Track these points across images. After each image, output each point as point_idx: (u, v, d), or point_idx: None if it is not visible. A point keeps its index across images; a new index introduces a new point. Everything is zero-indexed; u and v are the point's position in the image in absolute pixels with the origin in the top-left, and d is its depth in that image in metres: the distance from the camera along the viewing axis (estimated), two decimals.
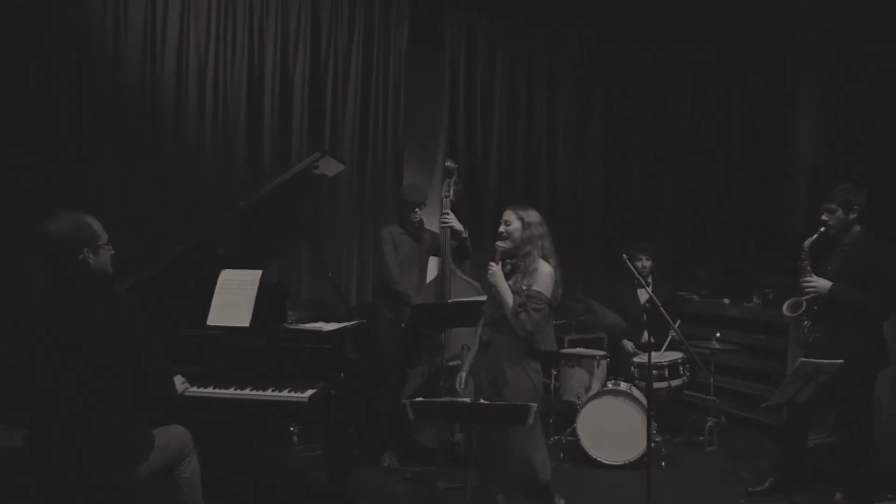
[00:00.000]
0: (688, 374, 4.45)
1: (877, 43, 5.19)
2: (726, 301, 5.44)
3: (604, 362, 4.45)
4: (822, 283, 3.46)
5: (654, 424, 4.00)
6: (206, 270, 3.25)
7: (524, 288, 3.00)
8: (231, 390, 2.90)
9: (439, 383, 3.77)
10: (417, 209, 4.07)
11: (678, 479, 4.01)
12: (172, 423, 2.60)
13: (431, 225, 4.29)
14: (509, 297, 3.00)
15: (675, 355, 4.43)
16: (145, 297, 2.71)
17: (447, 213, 4.00)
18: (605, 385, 4.25)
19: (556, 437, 4.33)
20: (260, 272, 3.23)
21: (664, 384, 4.34)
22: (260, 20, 4.60)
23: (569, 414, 4.35)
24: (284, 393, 2.88)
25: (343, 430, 3.11)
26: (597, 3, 5.59)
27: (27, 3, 3.96)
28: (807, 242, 3.54)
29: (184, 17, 4.38)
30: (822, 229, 3.51)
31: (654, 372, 4.24)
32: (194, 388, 2.88)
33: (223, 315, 3.14)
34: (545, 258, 3.06)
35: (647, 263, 4.77)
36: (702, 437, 4.52)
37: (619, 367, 4.60)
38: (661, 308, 3.63)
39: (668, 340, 4.55)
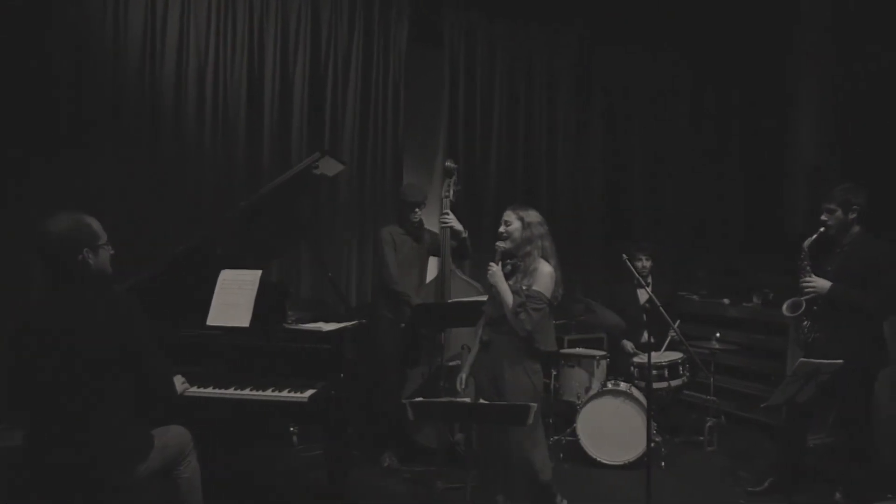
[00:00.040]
0: (687, 374, 4.46)
1: (877, 43, 5.19)
2: (726, 301, 5.45)
3: (603, 362, 4.45)
4: (822, 284, 3.46)
5: (653, 424, 3.99)
6: (206, 270, 3.25)
7: (524, 288, 3.00)
8: (231, 390, 2.90)
9: (439, 383, 3.77)
10: (417, 209, 4.07)
11: (678, 479, 4.01)
12: (172, 423, 2.61)
13: (431, 225, 4.29)
14: (509, 297, 3.00)
15: (675, 355, 4.43)
16: (145, 297, 2.70)
17: (447, 213, 4.00)
18: (604, 385, 4.25)
19: (556, 437, 4.33)
20: (260, 272, 3.23)
21: (664, 384, 4.34)
22: (260, 20, 4.60)
23: (568, 414, 4.35)
24: (284, 393, 2.88)
25: (343, 431, 3.11)
26: (597, 3, 5.59)
27: (27, 3, 3.96)
28: (806, 242, 3.54)
29: (183, 17, 4.38)
30: (822, 229, 3.51)
31: (654, 372, 4.25)
32: (194, 389, 2.88)
33: (223, 315, 3.14)
34: (545, 258, 3.06)
35: (647, 263, 4.77)
36: (701, 437, 4.52)
37: (618, 367, 4.60)
38: (661, 308, 3.63)
39: (667, 340, 4.55)
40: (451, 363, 3.93)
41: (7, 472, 2.47)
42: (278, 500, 3.63)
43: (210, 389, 2.90)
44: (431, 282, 4.15)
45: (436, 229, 4.16)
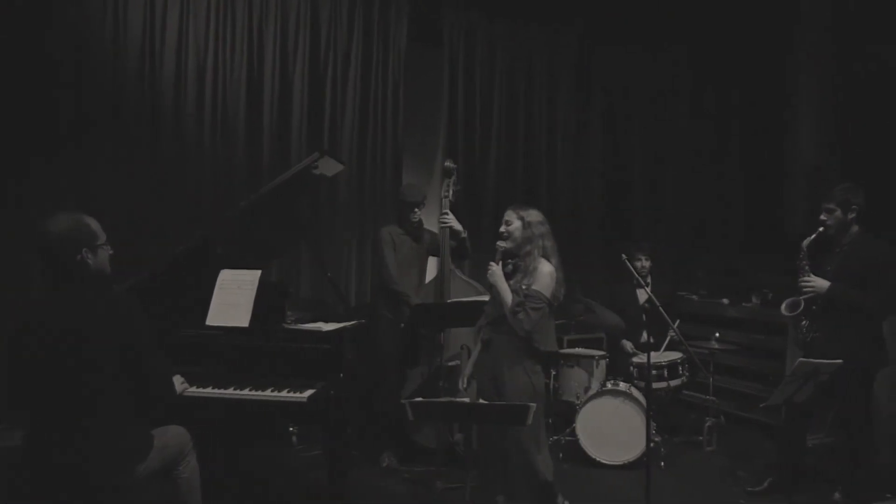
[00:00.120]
0: (687, 374, 4.46)
1: (877, 43, 5.19)
2: (725, 301, 5.45)
3: (603, 362, 4.45)
4: (821, 283, 3.46)
5: (653, 424, 3.99)
6: (206, 270, 3.25)
7: (523, 287, 3.00)
8: (230, 390, 2.90)
9: (438, 383, 3.78)
10: (416, 209, 4.07)
11: (677, 478, 4.01)
12: (171, 423, 2.60)
13: (431, 225, 4.29)
14: (508, 297, 3.00)
15: (675, 355, 4.44)
16: (145, 297, 2.71)
17: (446, 213, 4.00)
18: (604, 385, 4.25)
19: (556, 437, 4.33)
20: (259, 272, 3.23)
21: (663, 384, 4.34)
22: (259, 19, 4.60)
23: (568, 414, 4.35)
24: (283, 393, 2.88)
25: (342, 431, 3.11)
26: (597, 3, 5.59)
27: (27, 3, 3.96)
28: (805, 242, 3.55)
29: (183, 17, 4.39)
30: (821, 229, 3.51)
31: (654, 372, 4.25)
32: (193, 389, 2.88)
33: (222, 315, 3.14)
34: (546, 257, 3.06)
35: (647, 263, 4.77)
36: (701, 437, 4.52)
37: (618, 367, 4.60)
38: (661, 308, 3.63)
39: (667, 340, 4.55)
40: (450, 363, 3.93)
41: (7, 472, 2.47)
42: (278, 500, 3.63)
43: (209, 389, 2.90)
44: (431, 282, 4.16)
45: (435, 229, 4.16)
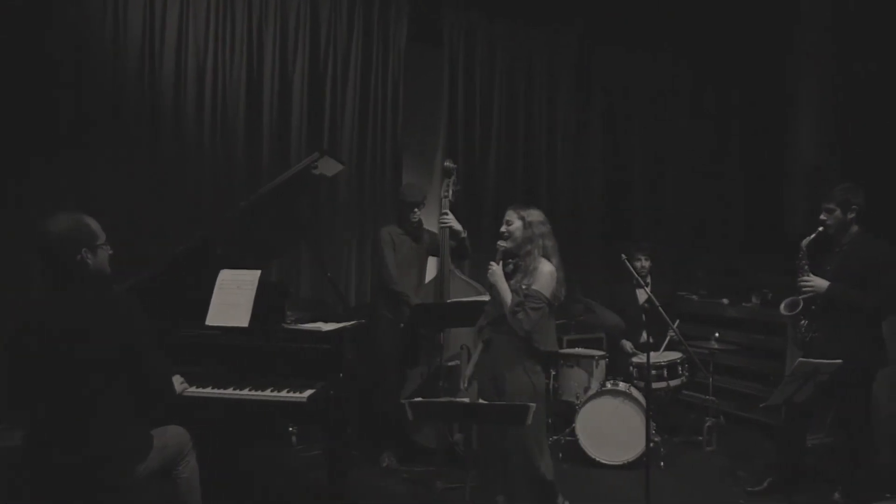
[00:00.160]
0: (686, 374, 4.46)
1: (877, 43, 5.19)
2: (725, 301, 5.45)
3: (602, 362, 4.45)
4: (820, 283, 3.46)
5: (652, 424, 4.00)
6: (206, 270, 3.25)
7: (524, 287, 3.00)
8: (230, 390, 2.90)
9: (438, 383, 3.78)
10: (416, 209, 4.08)
11: (677, 478, 4.01)
12: (171, 423, 2.61)
13: (430, 225, 4.29)
14: (508, 297, 3.00)
15: (674, 355, 4.44)
16: (145, 297, 2.70)
17: (446, 213, 4.00)
18: (603, 385, 4.26)
19: (555, 437, 4.33)
20: (259, 272, 3.23)
21: (663, 384, 4.34)
22: (259, 19, 4.60)
23: (567, 414, 4.35)
24: (283, 393, 2.88)
25: (342, 431, 3.11)
26: (597, 3, 5.59)
27: (27, 3, 3.96)
28: (804, 242, 3.55)
29: (182, 17, 4.38)
30: (821, 229, 3.51)
31: (653, 372, 4.25)
32: (193, 389, 2.88)
33: (222, 315, 3.14)
34: (547, 257, 3.06)
35: (646, 263, 4.77)
36: (700, 437, 4.52)
37: (617, 367, 4.60)
38: (660, 308, 3.63)
39: (666, 340, 4.55)
40: (450, 363, 3.93)
41: (7, 472, 2.47)
42: (277, 500, 3.63)
43: (209, 389, 2.90)
44: (431, 282, 4.16)
45: (435, 229, 4.17)
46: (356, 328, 3.34)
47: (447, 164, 4.08)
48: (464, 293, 3.97)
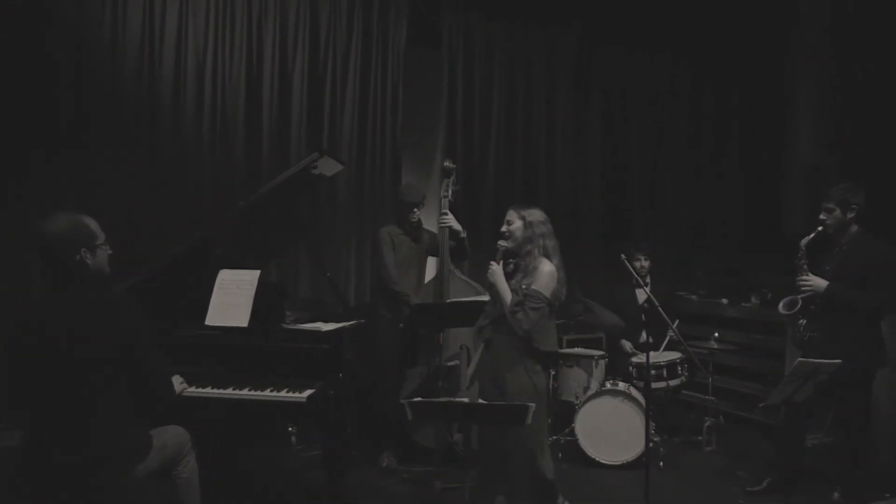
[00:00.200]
0: (686, 373, 4.46)
1: (875, 44, 5.20)
2: (724, 301, 5.45)
3: (602, 362, 4.46)
4: (819, 282, 3.47)
5: (652, 424, 4.00)
6: (205, 270, 3.25)
7: (523, 287, 3.00)
8: (229, 390, 2.90)
9: (437, 383, 3.78)
10: (416, 209, 4.08)
11: (676, 478, 4.01)
12: (170, 423, 2.61)
13: (430, 225, 4.29)
14: (508, 297, 3.00)
15: (674, 355, 4.44)
16: (144, 297, 2.71)
17: (446, 213, 4.00)
18: (603, 385, 4.26)
19: (555, 437, 4.33)
20: (258, 272, 3.23)
21: (662, 384, 4.34)
22: (258, 19, 4.61)
23: (567, 414, 4.35)
24: (283, 393, 2.88)
25: (341, 431, 3.11)
26: (595, 4, 5.60)
27: (27, 3, 3.96)
28: (803, 241, 3.55)
29: (182, 16, 4.39)
30: (820, 228, 3.52)
31: (653, 372, 4.25)
32: (192, 389, 2.88)
33: (221, 315, 3.14)
34: (548, 257, 3.05)
35: (646, 263, 4.78)
36: (700, 437, 4.52)
37: (617, 367, 4.60)
38: (660, 308, 3.64)
39: (666, 340, 4.56)
40: (449, 363, 3.94)
41: (7, 473, 2.47)
42: (277, 500, 3.63)
43: (208, 389, 2.90)
44: (430, 282, 4.16)
45: (435, 229, 4.17)
46: (356, 328, 3.34)
47: (446, 164, 4.08)
48: (463, 293, 3.97)
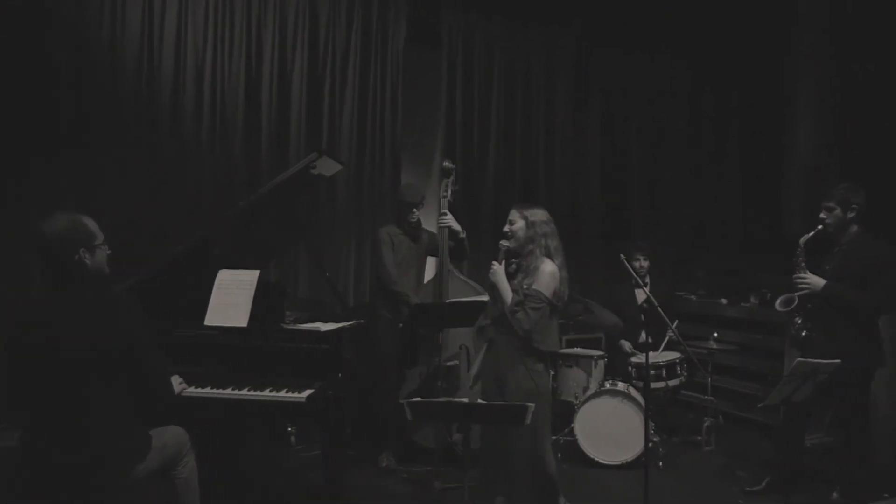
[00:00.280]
0: (685, 373, 4.46)
1: (875, 44, 5.20)
2: (724, 301, 5.46)
3: (601, 362, 4.46)
4: (816, 281, 3.47)
5: (651, 424, 4.00)
6: (205, 271, 3.25)
7: (524, 287, 3.00)
8: (228, 390, 2.90)
9: (437, 383, 3.78)
10: (415, 209, 4.08)
11: (675, 478, 4.01)
12: (170, 423, 2.60)
13: (429, 225, 4.30)
14: (508, 296, 3.01)
15: (673, 355, 4.44)
16: (144, 297, 2.70)
17: (445, 214, 4.00)
18: (602, 385, 4.26)
19: (554, 437, 4.33)
20: (258, 272, 3.23)
21: (662, 384, 4.35)
22: (258, 19, 4.61)
23: (566, 414, 4.35)
24: (282, 393, 2.88)
25: (341, 431, 3.11)
26: (595, 5, 5.60)
27: (27, 3, 3.97)
28: (803, 239, 3.56)
29: (181, 16, 4.40)
30: (820, 227, 3.52)
31: (652, 372, 4.25)
32: (192, 389, 2.88)
33: (221, 315, 3.14)
34: (550, 257, 3.05)
35: (645, 264, 4.78)
36: (699, 437, 4.53)
37: (616, 367, 4.60)
38: (659, 308, 3.64)
39: (665, 340, 4.56)
40: (448, 363, 3.94)
41: (6, 473, 2.47)
42: (276, 500, 3.63)
43: (208, 389, 2.90)
44: (429, 282, 4.16)
45: (434, 229, 4.17)
46: (355, 328, 3.34)
47: (446, 164, 4.09)
48: (462, 293, 3.97)
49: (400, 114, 5.09)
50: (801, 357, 3.04)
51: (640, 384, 4.24)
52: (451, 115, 5.34)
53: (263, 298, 3.18)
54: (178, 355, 2.91)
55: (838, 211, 3.47)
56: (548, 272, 3.01)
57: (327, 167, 3.57)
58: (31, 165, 3.92)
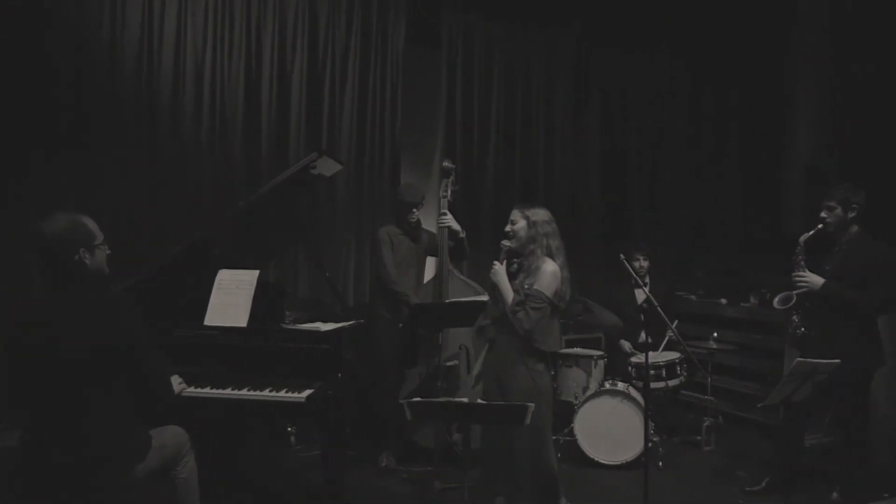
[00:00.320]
0: (685, 373, 4.46)
1: (875, 44, 5.20)
2: (723, 301, 5.46)
3: (601, 362, 4.46)
4: (815, 279, 3.47)
5: (651, 424, 4.00)
6: (205, 270, 3.25)
7: (525, 287, 3.00)
8: (228, 390, 2.90)
9: (436, 383, 3.78)
10: (414, 209, 4.08)
11: (675, 478, 4.01)
12: (169, 423, 2.60)
13: (429, 225, 4.30)
14: (509, 296, 3.01)
15: (673, 355, 4.44)
16: (143, 297, 2.71)
17: (445, 213, 4.00)
18: (602, 385, 4.26)
19: (554, 437, 4.32)
20: (257, 272, 3.23)
21: (661, 384, 4.35)
22: (257, 19, 4.61)
23: (566, 414, 4.35)
24: (282, 393, 2.88)
25: (340, 431, 3.11)
26: (595, 5, 5.60)
27: (27, 3, 3.97)
28: (803, 237, 3.56)
29: (181, 16, 4.40)
30: (820, 226, 3.52)
31: (652, 372, 4.25)
32: (191, 389, 2.88)
33: (221, 315, 3.14)
34: (551, 256, 3.06)
35: (645, 264, 4.78)
36: (699, 437, 4.53)
37: (616, 367, 4.60)
38: (659, 308, 3.64)
39: (665, 340, 4.56)
40: (448, 363, 3.94)
41: (6, 473, 2.47)
42: (276, 500, 3.63)
43: (207, 389, 2.90)
44: (429, 282, 4.16)
45: (434, 229, 4.17)
46: (355, 328, 3.34)
47: (445, 164, 4.09)
48: (462, 293, 3.97)
49: (400, 114, 5.09)
50: (801, 357, 3.04)
51: (640, 384, 4.24)
52: (450, 115, 5.34)
53: (263, 298, 3.18)
54: (177, 355, 2.91)
55: (839, 210, 3.47)
56: (549, 272, 3.01)
57: (327, 167, 3.57)
58: (31, 165, 3.93)
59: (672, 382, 4.38)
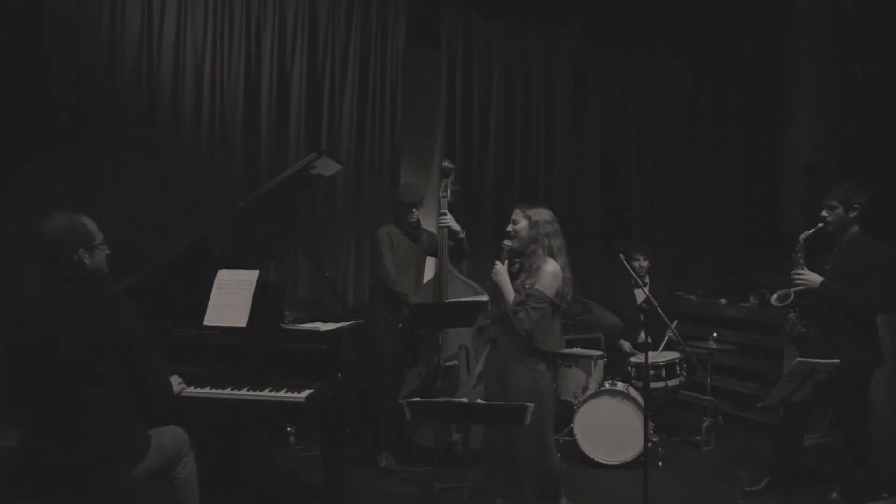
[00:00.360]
0: (685, 373, 4.46)
1: (875, 44, 5.20)
2: (723, 301, 5.46)
3: (601, 362, 4.46)
4: (813, 278, 3.47)
5: (650, 424, 4.00)
6: (204, 270, 3.25)
7: (527, 287, 3.00)
8: (228, 391, 2.90)
9: (436, 383, 3.78)
10: (414, 209, 4.08)
11: (675, 478, 4.02)
12: (169, 423, 2.61)
13: (429, 225, 4.30)
14: (510, 296, 3.01)
15: (672, 355, 4.44)
16: (143, 297, 2.71)
17: (445, 214, 4.00)
18: (602, 385, 4.26)
19: (554, 437, 4.33)
20: (257, 272, 3.23)
21: (661, 384, 4.35)
22: (257, 19, 4.61)
23: (566, 414, 4.35)
24: (281, 393, 2.88)
25: (340, 431, 3.11)
26: (595, 5, 5.60)
27: (27, 3, 3.97)
28: (803, 235, 3.56)
29: (181, 16, 4.40)
30: (821, 225, 3.52)
31: (651, 372, 4.25)
32: (191, 389, 2.88)
33: (220, 315, 3.14)
34: (553, 256, 3.06)
35: (644, 263, 4.78)
36: (699, 437, 4.53)
37: (616, 367, 4.60)
38: (658, 308, 3.64)
39: (664, 340, 4.56)
40: (448, 363, 3.94)
41: (6, 473, 2.47)
42: (276, 500, 3.63)
43: (207, 389, 2.90)
44: (429, 282, 4.16)
45: (433, 229, 4.17)
46: (354, 328, 3.34)
47: (445, 164, 4.08)
48: (462, 293, 3.97)
49: (399, 114, 5.09)
50: (800, 356, 3.04)
51: (640, 384, 4.24)
52: (450, 115, 5.34)
53: (263, 298, 3.18)
54: (177, 355, 2.91)
55: (840, 209, 3.47)
56: (550, 272, 3.01)
57: (327, 167, 3.57)
58: (30, 165, 3.92)
59: (672, 382, 4.38)
